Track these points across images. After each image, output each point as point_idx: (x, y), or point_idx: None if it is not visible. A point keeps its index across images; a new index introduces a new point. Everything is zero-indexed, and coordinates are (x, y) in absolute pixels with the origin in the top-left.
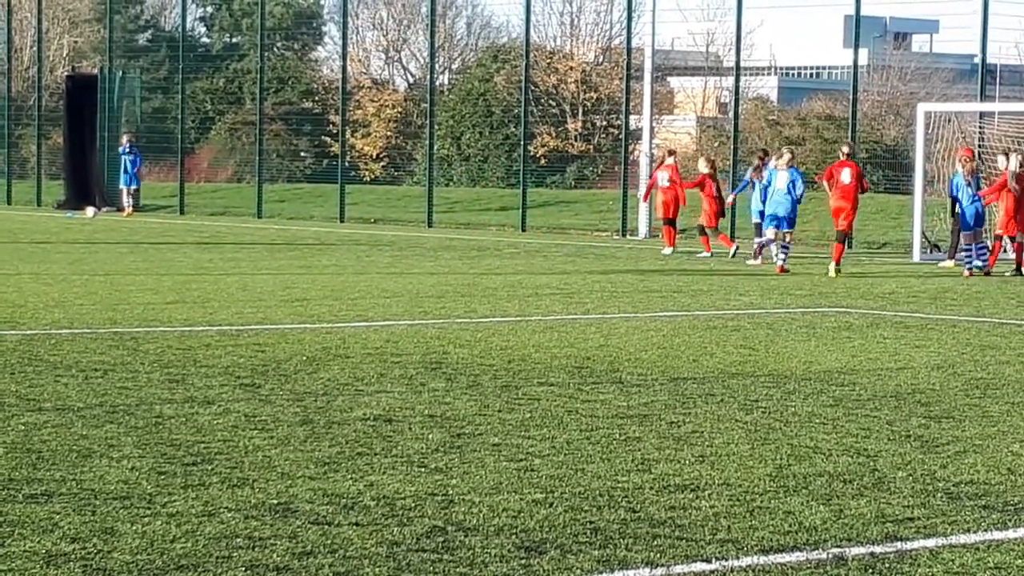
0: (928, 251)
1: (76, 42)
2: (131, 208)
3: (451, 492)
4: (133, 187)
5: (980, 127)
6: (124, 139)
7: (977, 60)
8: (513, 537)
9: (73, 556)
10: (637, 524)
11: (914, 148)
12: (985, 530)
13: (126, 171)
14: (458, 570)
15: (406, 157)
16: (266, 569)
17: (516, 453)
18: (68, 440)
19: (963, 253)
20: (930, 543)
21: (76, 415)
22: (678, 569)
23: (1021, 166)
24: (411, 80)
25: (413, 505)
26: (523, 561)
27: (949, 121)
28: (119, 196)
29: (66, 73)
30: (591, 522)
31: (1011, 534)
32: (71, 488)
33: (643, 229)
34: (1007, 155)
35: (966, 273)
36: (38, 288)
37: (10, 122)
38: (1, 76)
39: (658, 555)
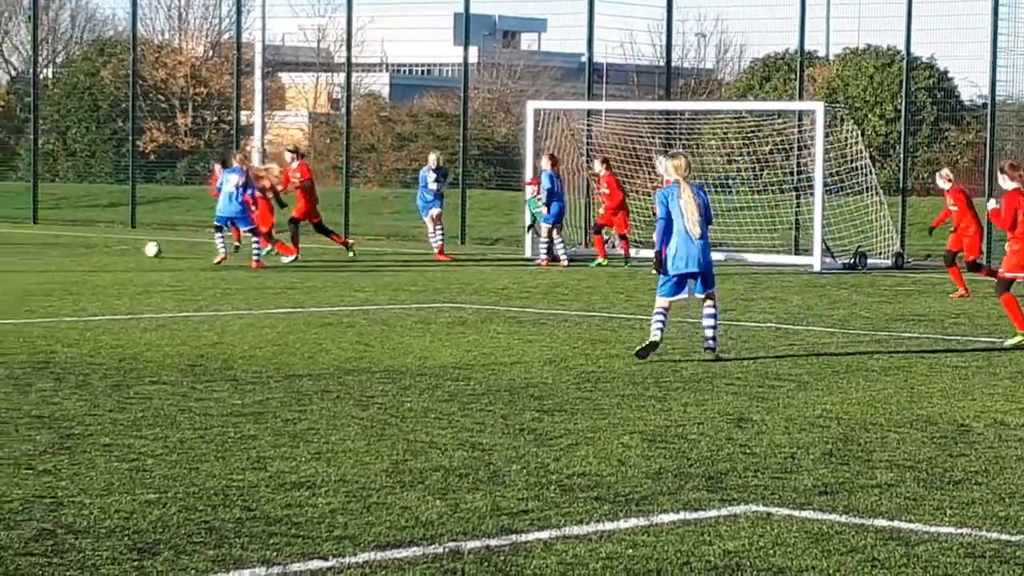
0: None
1: None
2: None
3: (60, 494)
4: None
5: (588, 124)
6: None
7: (584, 59)
8: (125, 538)
9: None
10: (253, 523)
11: (524, 145)
12: (597, 521)
13: None
14: (68, 573)
15: (9, 152)
16: None
17: (128, 453)
18: None
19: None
20: (544, 535)
21: None
22: (294, 567)
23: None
24: (13, 73)
25: (21, 508)
26: (136, 563)
27: (558, 119)
28: None
29: None
30: (206, 521)
31: (622, 524)
32: None
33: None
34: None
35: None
36: None
37: None
38: None
39: (274, 553)
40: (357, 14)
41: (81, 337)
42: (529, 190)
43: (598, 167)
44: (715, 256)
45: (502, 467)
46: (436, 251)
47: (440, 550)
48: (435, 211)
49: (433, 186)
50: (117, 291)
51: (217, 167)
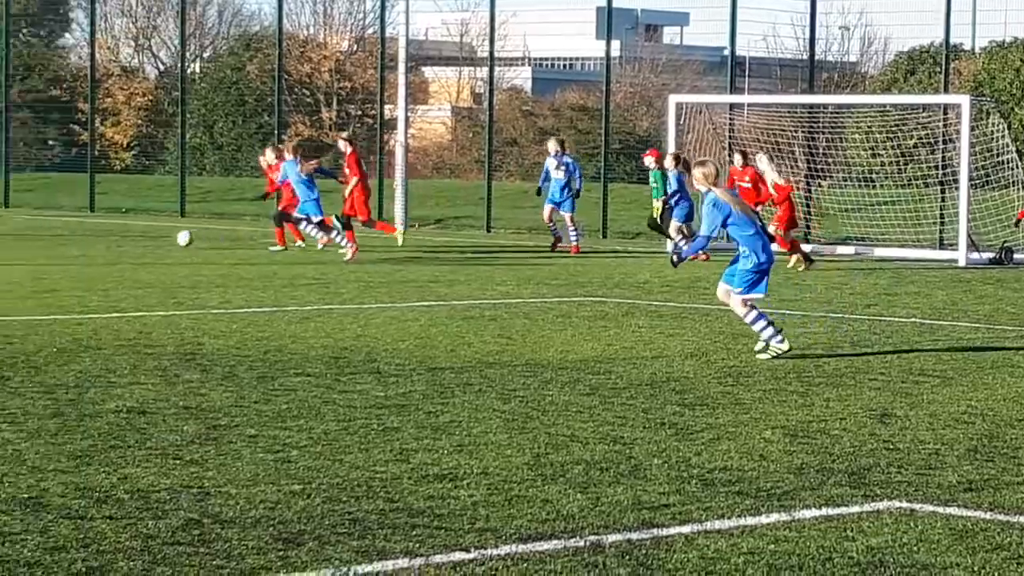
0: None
1: None
2: None
3: (207, 484)
4: None
5: (730, 118)
6: None
7: (726, 52)
8: (270, 528)
9: None
10: (395, 514)
11: (666, 139)
12: (739, 516)
13: None
14: (214, 563)
15: (157, 146)
16: (17, 565)
17: (273, 444)
18: None
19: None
20: (685, 529)
21: None
22: (437, 559)
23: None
24: (162, 68)
25: (168, 498)
26: (281, 552)
27: (700, 112)
28: None
29: None
30: (349, 513)
31: (763, 519)
32: None
33: (399, 219)
34: (744, 155)
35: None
36: None
37: None
38: None
39: (417, 545)
40: (500, 8)
41: (228, 329)
42: (649, 160)
43: (738, 160)
44: (848, 250)
45: (643, 461)
46: (572, 248)
47: (581, 543)
48: (567, 215)
49: (557, 174)
50: (263, 284)
51: (266, 160)
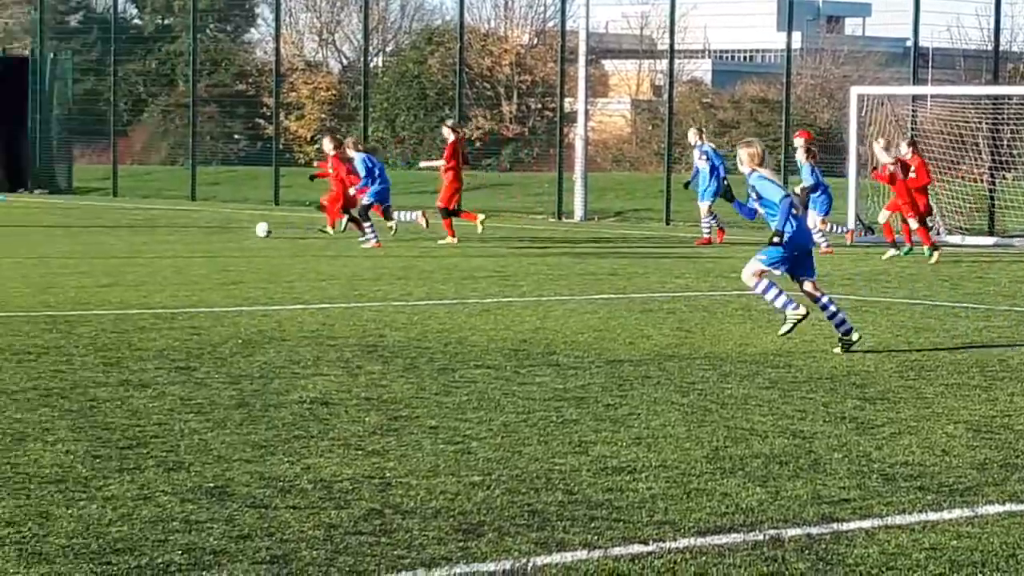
0: (863, 233)
1: (7, 24)
2: None
3: (388, 475)
4: None
5: (913, 110)
6: None
7: (909, 43)
8: (451, 519)
9: (8, 540)
10: (574, 506)
11: (848, 131)
12: (920, 511)
13: None
14: (396, 553)
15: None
16: (203, 552)
17: (453, 436)
18: (2, 424)
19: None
20: (866, 524)
21: (10, 398)
22: (615, 551)
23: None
24: (345, 62)
25: (350, 488)
26: (461, 543)
27: (882, 104)
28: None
29: None
30: (528, 504)
31: (946, 515)
32: (5, 472)
33: (579, 212)
34: (914, 144)
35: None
36: None
37: None
38: None
39: (595, 537)
40: (680, 1)
41: (409, 321)
42: (799, 141)
43: (905, 149)
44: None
45: (823, 455)
46: (701, 240)
47: (761, 537)
48: (705, 204)
49: (700, 164)
50: (443, 276)
51: (331, 151)
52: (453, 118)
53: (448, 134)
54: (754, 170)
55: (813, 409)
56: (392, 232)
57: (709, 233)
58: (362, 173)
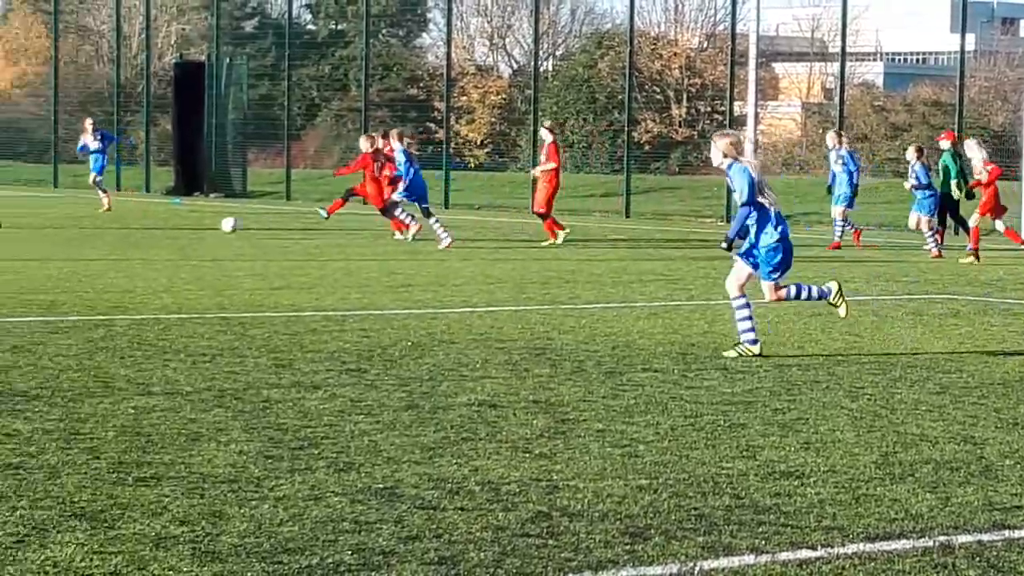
0: None
1: (184, 29)
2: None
3: (556, 477)
4: (98, 176)
5: None
6: (87, 124)
7: None
8: (617, 523)
9: (182, 538)
10: (742, 510)
11: (1022, 134)
12: None
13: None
14: (563, 555)
15: (510, 143)
16: (372, 553)
17: (620, 439)
18: (177, 424)
19: None
20: None
21: (185, 399)
22: (783, 556)
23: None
24: (515, 66)
25: (518, 490)
26: (627, 547)
27: None
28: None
29: (174, 60)
30: (695, 508)
31: None
32: (180, 471)
33: None
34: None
35: None
36: (146, 274)
37: (119, 109)
38: (110, 63)
39: (763, 542)
40: (852, 3)
41: (576, 324)
42: (945, 143)
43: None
44: None
45: (995, 461)
46: (832, 245)
47: (930, 543)
48: (839, 208)
49: (835, 168)
50: (611, 279)
51: (367, 146)
52: (550, 119)
53: (546, 135)
54: (735, 160)
55: (985, 415)
56: (412, 236)
57: (840, 237)
58: (400, 162)
